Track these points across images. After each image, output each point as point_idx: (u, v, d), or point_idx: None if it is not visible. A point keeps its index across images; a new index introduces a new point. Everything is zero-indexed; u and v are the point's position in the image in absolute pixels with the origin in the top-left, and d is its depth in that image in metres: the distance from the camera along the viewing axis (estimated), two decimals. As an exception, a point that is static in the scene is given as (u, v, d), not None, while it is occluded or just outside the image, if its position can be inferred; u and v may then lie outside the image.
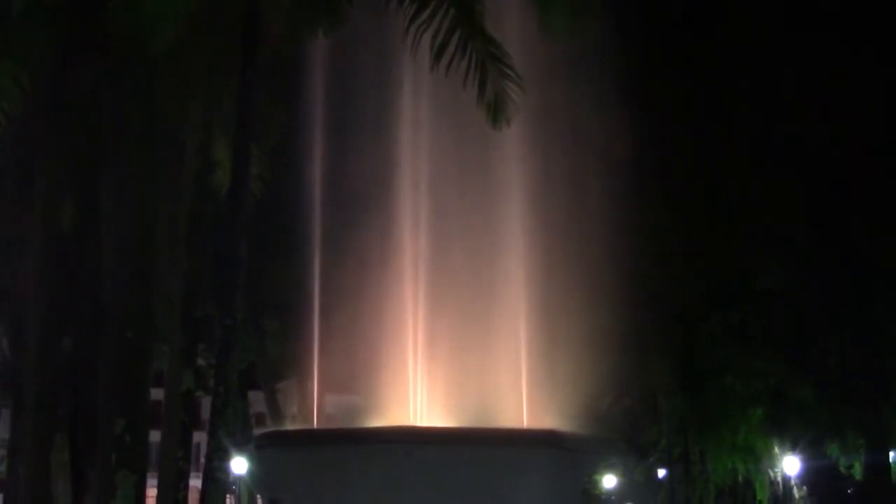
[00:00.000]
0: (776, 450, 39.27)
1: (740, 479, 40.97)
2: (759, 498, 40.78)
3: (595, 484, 41.13)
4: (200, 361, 19.02)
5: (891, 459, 38.00)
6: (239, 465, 32.70)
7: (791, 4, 33.17)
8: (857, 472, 38.03)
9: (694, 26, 32.87)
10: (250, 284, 18.42)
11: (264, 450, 18.39)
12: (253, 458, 28.00)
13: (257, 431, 33.49)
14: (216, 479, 13.57)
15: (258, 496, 37.08)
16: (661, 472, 43.10)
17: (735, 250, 35.00)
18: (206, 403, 18.34)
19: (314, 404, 19.20)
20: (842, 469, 38.52)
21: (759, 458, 39.01)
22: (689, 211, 32.83)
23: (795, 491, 41.32)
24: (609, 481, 44.08)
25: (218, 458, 13.37)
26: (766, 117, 33.98)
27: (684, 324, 35.00)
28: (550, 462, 15.52)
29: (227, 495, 41.72)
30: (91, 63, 17.09)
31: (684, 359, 35.99)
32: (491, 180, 18.21)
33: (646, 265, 28.66)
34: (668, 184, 30.85)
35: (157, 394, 16.71)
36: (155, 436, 16.28)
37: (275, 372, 38.24)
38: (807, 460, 38.49)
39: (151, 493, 17.25)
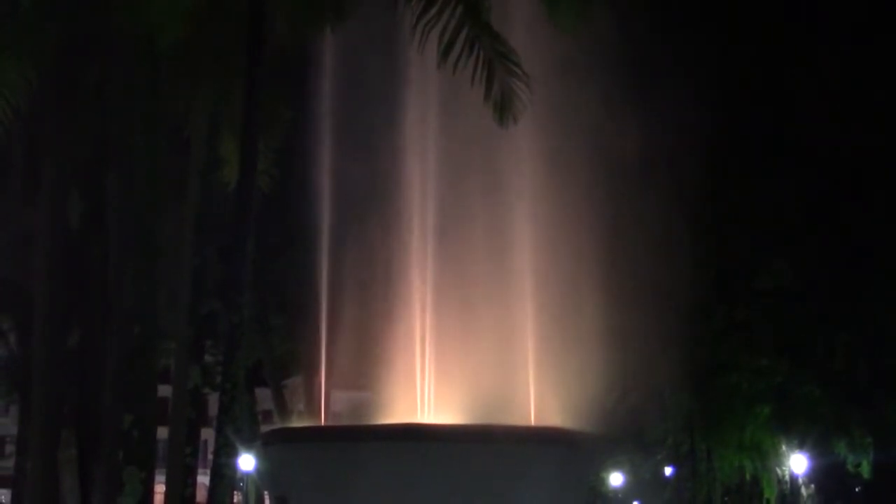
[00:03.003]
0: (783, 448, 39.21)
1: (747, 477, 40.93)
2: (766, 496, 40.73)
3: (602, 481, 41.15)
4: (207, 358, 19.02)
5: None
6: (246, 461, 32.76)
7: (796, 3, 33.15)
8: (865, 470, 37.93)
9: (701, 24, 32.80)
10: (257, 281, 18.44)
11: (271, 447, 18.40)
12: (260, 455, 28.04)
13: (264, 428, 33.51)
14: (223, 476, 13.57)
15: (265, 493, 37.12)
16: (668, 470, 43.06)
17: (741, 248, 34.96)
18: (213, 400, 18.39)
19: (321, 401, 19.21)
20: (849, 467, 38.41)
21: (766, 457, 38.96)
22: (695, 208, 32.77)
23: (803, 489, 41.23)
24: (616, 479, 44.07)
25: (225, 455, 13.36)
26: (774, 115, 33.94)
27: (690, 321, 34.92)
28: (558, 459, 15.52)
29: (235, 492, 41.79)
30: (98, 60, 17.11)
31: (690, 356, 35.93)
32: (498, 177, 18.20)
33: (652, 262, 28.61)
34: (675, 181, 30.77)
35: (164, 390, 16.73)
36: (162, 432, 16.29)
37: (282, 368, 38.27)
38: (814, 458, 38.41)
39: (159, 489, 17.28)
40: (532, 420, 17.13)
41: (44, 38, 15.16)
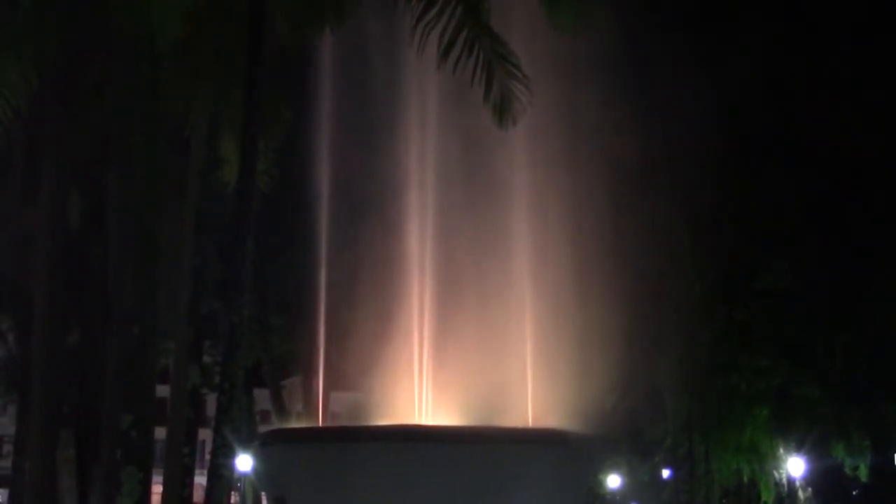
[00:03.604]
0: (781, 450, 39.20)
1: (745, 479, 40.91)
2: (763, 499, 40.70)
3: (599, 483, 41.13)
4: (206, 358, 19.03)
5: (896, 461, 37.93)
6: (244, 462, 32.75)
7: (795, 3, 33.16)
8: (863, 473, 37.92)
9: (700, 25, 32.83)
10: (256, 281, 18.44)
11: (269, 447, 18.41)
12: (258, 456, 28.05)
13: (262, 429, 33.51)
14: (221, 476, 13.57)
15: (263, 494, 37.12)
16: (666, 472, 43.06)
17: (741, 248, 34.97)
18: (211, 400, 18.37)
19: (319, 402, 19.23)
20: (847, 470, 38.39)
21: (764, 459, 38.94)
22: (695, 209, 32.80)
23: (800, 492, 41.22)
24: (613, 481, 44.05)
25: (223, 455, 13.38)
26: (773, 115, 33.94)
27: (690, 322, 34.94)
28: (555, 461, 15.51)
29: (232, 492, 41.77)
30: (98, 60, 17.12)
31: (689, 357, 35.93)
32: (497, 178, 18.22)
33: (651, 264, 28.63)
34: (674, 182, 30.80)
35: (162, 390, 16.74)
36: (160, 432, 16.30)
37: (280, 369, 38.25)
38: (812, 461, 38.39)
39: (157, 489, 17.30)
40: (530, 421, 17.14)
41: (44, 38, 15.16)
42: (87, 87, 17.44)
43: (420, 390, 17.49)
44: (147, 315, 15.18)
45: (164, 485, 17.22)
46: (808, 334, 35.49)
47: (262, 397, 41.03)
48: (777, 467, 40.12)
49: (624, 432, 33.82)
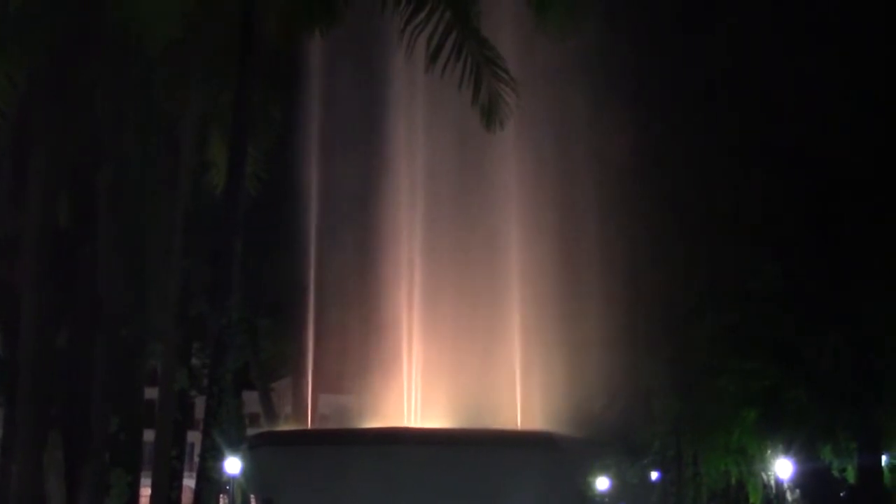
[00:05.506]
0: (769, 452, 39.32)
1: (733, 481, 41.05)
2: (751, 500, 40.85)
3: (589, 485, 41.21)
4: (195, 361, 19.01)
5: (883, 463, 38.02)
6: (233, 464, 32.73)
7: (788, 5, 33.22)
8: (850, 475, 38.03)
9: (690, 26, 32.90)
10: (245, 283, 18.43)
11: (258, 450, 18.39)
12: (247, 458, 28.02)
13: (251, 431, 33.48)
14: (210, 479, 13.55)
15: (252, 496, 37.08)
16: (655, 474, 43.18)
17: (729, 251, 35.04)
18: (200, 403, 18.36)
19: (308, 404, 19.21)
20: (834, 472, 38.51)
21: (752, 461, 39.07)
22: (683, 211, 32.86)
23: (788, 494, 41.35)
24: (602, 482, 44.15)
25: (212, 458, 13.36)
26: (763, 117, 34.01)
27: (678, 325, 35.02)
28: (544, 464, 15.53)
29: (221, 495, 41.71)
30: (88, 62, 17.11)
31: (678, 360, 36.02)
32: (486, 180, 18.24)
33: (640, 266, 28.69)
34: (663, 184, 30.87)
35: (151, 393, 16.73)
36: (149, 435, 16.27)
37: (269, 371, 38.22)
38: (800, 463, 38.51)
39: (145, 492, 17.28)
40: (519, 424, 17.16)
41: (33, 39, 15.15)
42: (77, 89, 17.41)
43: (409, 393, 17.49)
44: (136, 317, 15.18)
45: (153, 487, 17.20)
46: (797, 337, 35.59)
47: (251, 400, 41.00)
48: (765, 469, 40.26)
49: (613, 434, 33.89)
